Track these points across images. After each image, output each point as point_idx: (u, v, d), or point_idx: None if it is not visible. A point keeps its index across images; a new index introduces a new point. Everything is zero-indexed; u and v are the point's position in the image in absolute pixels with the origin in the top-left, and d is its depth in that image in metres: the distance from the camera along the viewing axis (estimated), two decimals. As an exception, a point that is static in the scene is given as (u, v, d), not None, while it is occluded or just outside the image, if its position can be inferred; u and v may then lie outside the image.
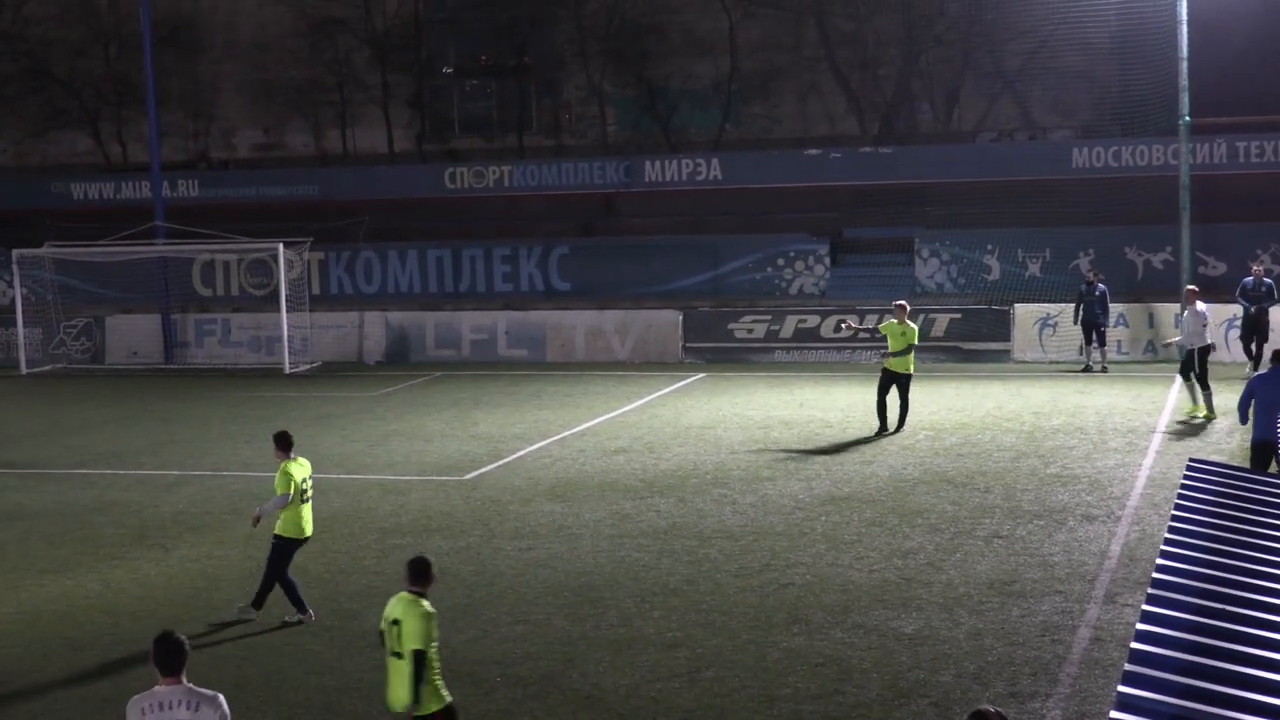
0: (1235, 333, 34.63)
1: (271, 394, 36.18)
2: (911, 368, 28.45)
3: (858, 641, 16.40)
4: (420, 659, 11.91)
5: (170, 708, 9.45)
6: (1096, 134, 49.58)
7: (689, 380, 36.23)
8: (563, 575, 19.36)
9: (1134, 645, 9.72)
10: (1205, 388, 28.24)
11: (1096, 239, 41.51)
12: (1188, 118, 36.37)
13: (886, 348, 28.63)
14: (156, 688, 9.58)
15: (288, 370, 39.97)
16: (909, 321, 28.44)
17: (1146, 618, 10.10)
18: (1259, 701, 9.17)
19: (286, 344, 40.41)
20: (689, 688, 15.27)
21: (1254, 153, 43.94)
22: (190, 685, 9.66)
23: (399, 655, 11.98)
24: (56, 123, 65.23)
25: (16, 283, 42.64)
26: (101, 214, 48.76)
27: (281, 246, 40.60)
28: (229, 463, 27.75)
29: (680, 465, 25.96)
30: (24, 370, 41.82)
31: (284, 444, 17.95)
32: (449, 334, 41.82)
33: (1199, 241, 38.19)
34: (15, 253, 42.85)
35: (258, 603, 17.73)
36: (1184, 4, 35.30)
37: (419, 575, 12.29)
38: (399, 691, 12.00)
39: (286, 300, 40.53)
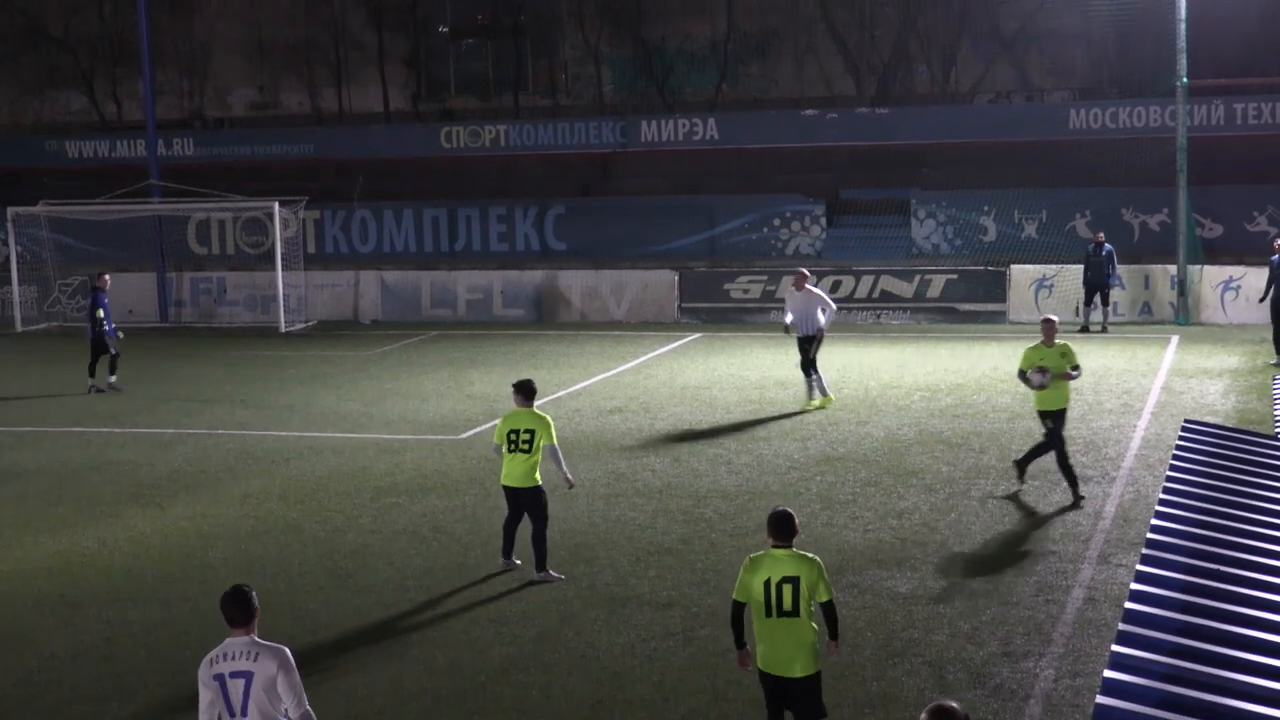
0: (1231, 295, 34.55)
1: (267, 353, 36.15)
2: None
3: (852, 601, 16.42)
4: (833, 607, 11.69)
5: (233, 658, 9.75)
6: (1094, 96, 49.51)
7: (684, 340, 36.22)
8: (558, 534, 19.34)
9: (1128, 605, 9.77)
10: (811, 374, 27.03)
11: (1093, 201, 41.45)
12: (1185, 79, 36.31)
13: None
14: (226, 640, 9.90)
15: (283, 329, 39.96)
16: (811, 288, 27.42)
17: (1140, 578, 10.14)
18: (1251, 660, 9.21)
19: (282, 303, 40.40)
20: (683, 647, 15.29)
21: (1251, 115, 43.87)
22: (255, 637, 9.92)
23: (793, 614, 11.45)
24: (52, 81, 65.08)
25: (11, 241, 42.60)
26: (96, 173, 48.78)
27: (277, 205, 40.53)
28: (225, 421, 27.74)
29: (675, 425, 25.97)
30: (19, 328, 41.79)
31: (525, 392, 17.91)
32: (444, 294, 41.80)
33: (1196, 203, 38.15)
34: (10, 211, 42.75)
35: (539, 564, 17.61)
36: (1182, -35, 35.24)
37: (786, 528, 11.72)
38: (796, 654, 11.51)
39: (282, 259, 40.49)
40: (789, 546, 11.65)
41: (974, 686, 13.94)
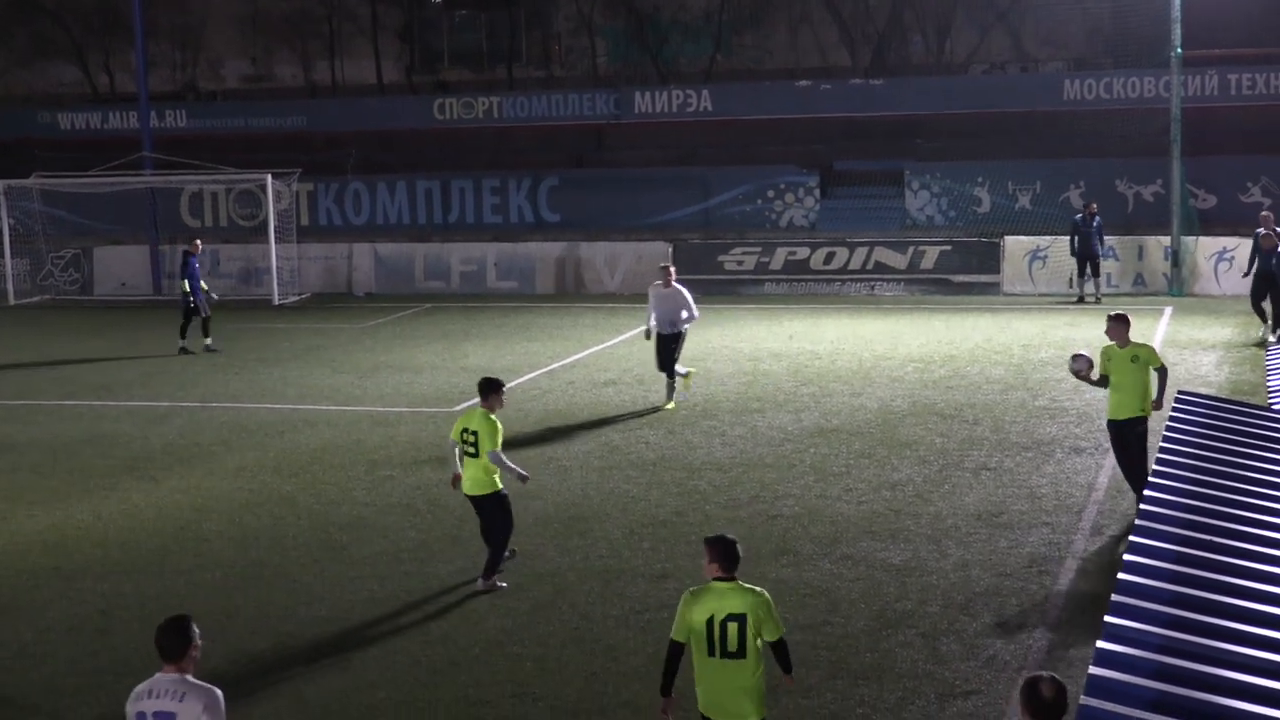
0: (1225, 266, 34.63)
1: (260, 325, 36.14)
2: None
3: (846, 573, 16.46)
4: (785, 646, 10.52)
5: (158, 695, 8.96)
6: (1088, 66, 49.47)
7: (679, 312, 36.20)
8: (552, 507, 19.40)
9: (1120, 576, 9.79)
10: (672, 375, 25.27)
11: (1087, 171, 41.43)
12: (1180, 50, 36.27)
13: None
14: (156, 674, 9.11)
15: (276, 301, 39.94)
16: (678, 286, 25.32)
17: (1133, 549, 10.17)
18: (1244, 631, 9.24)
19: (275, 275, 40.37)
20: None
21: (1245, 85, 43.83)
22: (187, 676, 9.05)
23: (738, 655, 10.20)
24: (44, 53, 64.93)
25: (3, 213, 42.51)
26: (89, 145, 48.65)
27: (270, 178, 40.48)
28: (218, 394, 27.75)
29: (669, 397, 26.01)
30: (12, 301, 41.76)
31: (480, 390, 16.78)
32: (438, 266, 41.79)
33: (1190, 174, 38.14)
34: (2, 183, 42.67)
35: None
36: (1177, -65, 35.18)
37: (730, 558, 10.42)
38: (740, 701, 10.31)
39: (275, 231, 40.45)
40: (733, 578, 10.39)
41: (967, 658, 13.99)
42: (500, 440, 16.21)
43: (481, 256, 41.76)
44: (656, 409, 24.95)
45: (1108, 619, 9.10)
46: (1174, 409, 13.68)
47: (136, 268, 43.42)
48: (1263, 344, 28.48)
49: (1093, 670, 8.58)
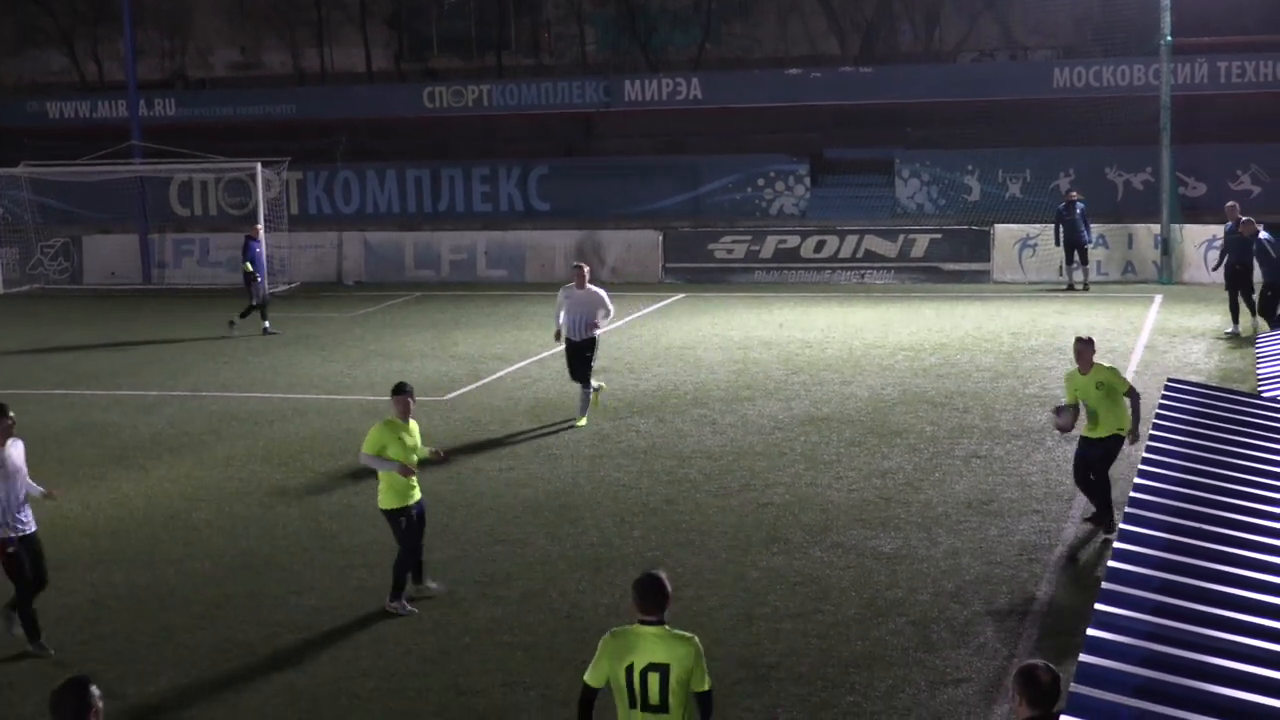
0: (1215, 254, 34.63)
1: (250, 315, 36.09)
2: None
3: (836, 560, 16.49)
4: (710, 701, 9.37)
5: None
6: (1078, 54, 49.42)
7: (669, 301, 36.24)
8: (542, 495, 19.41)
9: (1110, 564, 9.81)
10: (586, 385, 23.54)
11: (1077, 159, 41.48)
12: (1169, 38, 36.31)
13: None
14: None
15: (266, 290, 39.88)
16: (591, 286, 23.58)
17: (1123, 536, 10.19)
18: (1233, 618, 9.27)
19: (265, 264, 40.29)
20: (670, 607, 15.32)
21: (1235, 73, 43.86)
22: None
23: (660, 709, 9.13)
24: (32, 41, 64.84)
25: (-8, 202, 42.49)
26: (78, 133, 48.54)
27: (259, 166, 40.41)
28: (208, 383, 27.74)
29: (660, 385, 26.01)
30: (1, 290, 41.70)
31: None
32: (428, 254, 41.77)
33: (1179, 162, 38.20)
34: (-9, 172, 42.69)
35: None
36: (1167, -78, 35.20)
37: (656, 598, 9.34)
38: None
39: (265, 220, 40.38)
40: (659, 622, 9.24)
41: (958, 645, 14.02)
42: (374, 445, 15.17)
43: (471, 245, 41.75)
44: (669, 394, 24.97)
45: (1098, 606, 9.12)
46: (1164, 397, 13.72)
47: (126, 257, 43.35)
48: (1235, 336, 28.40)
49: (1083, 657, 8.61)
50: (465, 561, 16.87)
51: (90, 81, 62.75)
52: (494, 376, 27.26)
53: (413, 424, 15.51)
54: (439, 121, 50.50)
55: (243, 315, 33.06)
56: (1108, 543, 15.44)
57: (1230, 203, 31.22)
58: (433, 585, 15.81)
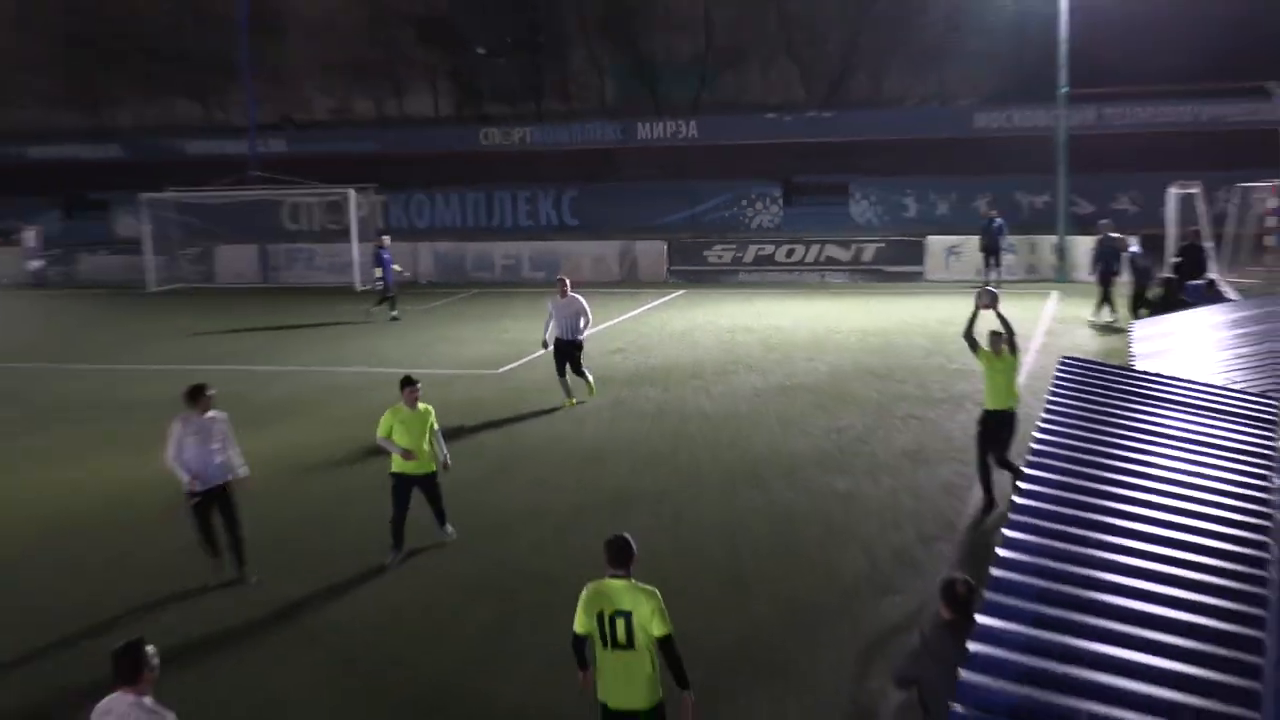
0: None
1: (345, 307, 36.20)
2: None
3: (801, 498, 16.60)
4: (671, 644, 8.82)
5: (111, 715, 7.45)
6: (995, 101, 49.39)
7: (672, 296, 36.29)
8: (574, 447, 19.52)
9: (1014, 499, 9.91)
10: (583, 375, 22.50)
11: (992, 185, 41.52)
12: (1065, 88, 36.27)
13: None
14: (115, 693, 7.51)
15: (358, 288, 39.96)
16: (573, 294, 22.40)
17: (1026, 479, 10.28)
18: (1115, 543, 9.37)
19: (357, 268, 40.41)
20: (671, 530, 15.48)
21: (1116, 117, 43.84)
22: (142, 699, 7.45)
23: (627, 646, 8.77)
24: (173, 92, 64.84)
25: (145, 219, 42.59)
26: (209, 165, 48.64)
27: (352, 191, 40.50)
28: (314, 360, 27.86)
29: (665, 362, 26.10)
30: (151, 288, 41.84)
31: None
32: (483, 260, 41.82)
33: (1072, 187, 38.17)
34: (143, 196, 42.76)
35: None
36: (1063, -2, 35.20)
37: (621, 555, 9.07)
38: (638, 688, 8.81)
39: (356, 233, 40.52)
40: (625, 575, 8.93)
41: (897, 564, 14.14)
42: (384, 429, 14.57)
43: (518, 252, 41.77)
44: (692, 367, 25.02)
45: (1005, 531, 9.25)
46: (1058, 370, 13.81)
47: (248, 262, 43.47)
48: (1109, 325, 28.35)
49: (993, 571, 8.71)
50: (512, 499, 17.00)
51: (218, 124, 62.78)
52: (534, 356, 27.27)
53: (424, 408, 14.68)
54: (491, 155, 50.56)
55: (377, 304, 33.27)
56: (1016, 486, 15.45)
57: (1102, 220, 31.22)
58: (449, 530, 15.26)
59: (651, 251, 40.27)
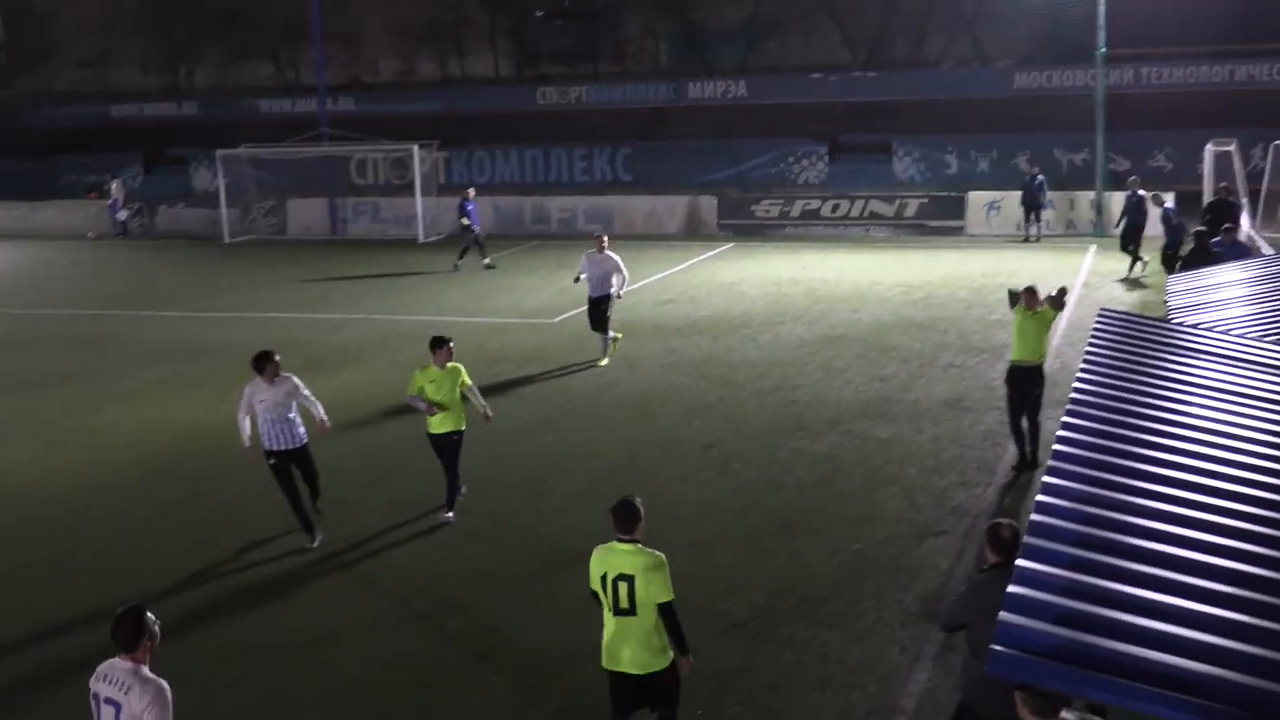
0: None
1: (409, 258, 36.14)
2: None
3: (845, 444, 16.38)
4: (672, 610, 8.31)
5: (111, 681, 7.05)
6: (1033, 62, 48.48)
7: (721, 249, 35.98)
8: (626, 393, 19.38)
9: (1055, 447, 9.64)
10: (605, 333, 21.47)
11: (1031, 142, 40.80)
12: (1103, 49, 35.54)
13: None
14: (114, 658, 7.14)
15: (421, 240, 39.90)
16: (608, 252, 21.48)
17: (1065, 426, 10.01)
18: (1155, 490, 9.10)
19: (420, 220, 40.33)
20: (719, 477, 15.32)
21: (1153, 76, 42.97)
22: (139, 667, 7.04)
23: (629, 613, 8.30)
24: (247, 55, 64.84)
25: (220, 175, 42.65)
26: (281, 123, 48.63)
27: (416, 148, 40.33)
28: (378, 309, 27.82)
29: (714, 312, 25.86)
30: (226, 240, 41.96)
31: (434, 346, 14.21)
32: (541, 214, 41.60)
33: (1109, 144, 37.45)
34: (219, 152, 42.81)
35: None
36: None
37: (626, 520, 8.42)
38: (637, 652, 8.36)
39: (420, 188, 40.42)
40: (631, 540, 8.36)
41: (937, 507, 13.91)
42: (414, 387, 14.07)
43: (574, 207, 41.52)
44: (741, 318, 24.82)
45: (1045, 478, 8.98)
46: (1096, 322, 13.47)
47: (318, 215, 43.46)
48: (1137, 280, 27.84)
49: (1034, 517, 8.47)
50: (566, 443, 16.88)
51: (289, 84, 62.74)
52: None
53: (452, 366, 14.01)
54: (549, 114, 50.25)
55: (460, 256, 33.07)
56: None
57: (1132, 177, 30.66)
58: (463, 491, 14.42)
59: (702, 206, 39.91)
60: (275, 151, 42.67)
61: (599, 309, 21.39)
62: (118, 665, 7.08)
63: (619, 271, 21.30)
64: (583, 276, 21.53)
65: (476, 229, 33.05)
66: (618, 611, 8.29)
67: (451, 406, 13.96)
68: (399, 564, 13.09)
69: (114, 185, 45.72)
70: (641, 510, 8.40)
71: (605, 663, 8.46)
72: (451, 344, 14.10)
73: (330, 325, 26.04)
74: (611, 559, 8.34)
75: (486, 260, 33.12)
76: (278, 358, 13.56)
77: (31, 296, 31.39)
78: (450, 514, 14.18)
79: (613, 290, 21.16)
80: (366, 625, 11.62)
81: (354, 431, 17.74)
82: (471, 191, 34.60)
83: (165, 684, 7.01)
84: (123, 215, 44.94)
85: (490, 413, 14.50)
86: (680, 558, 12.79)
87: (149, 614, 7.16)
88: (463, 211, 33.31)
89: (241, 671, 10.87)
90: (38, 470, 16.78)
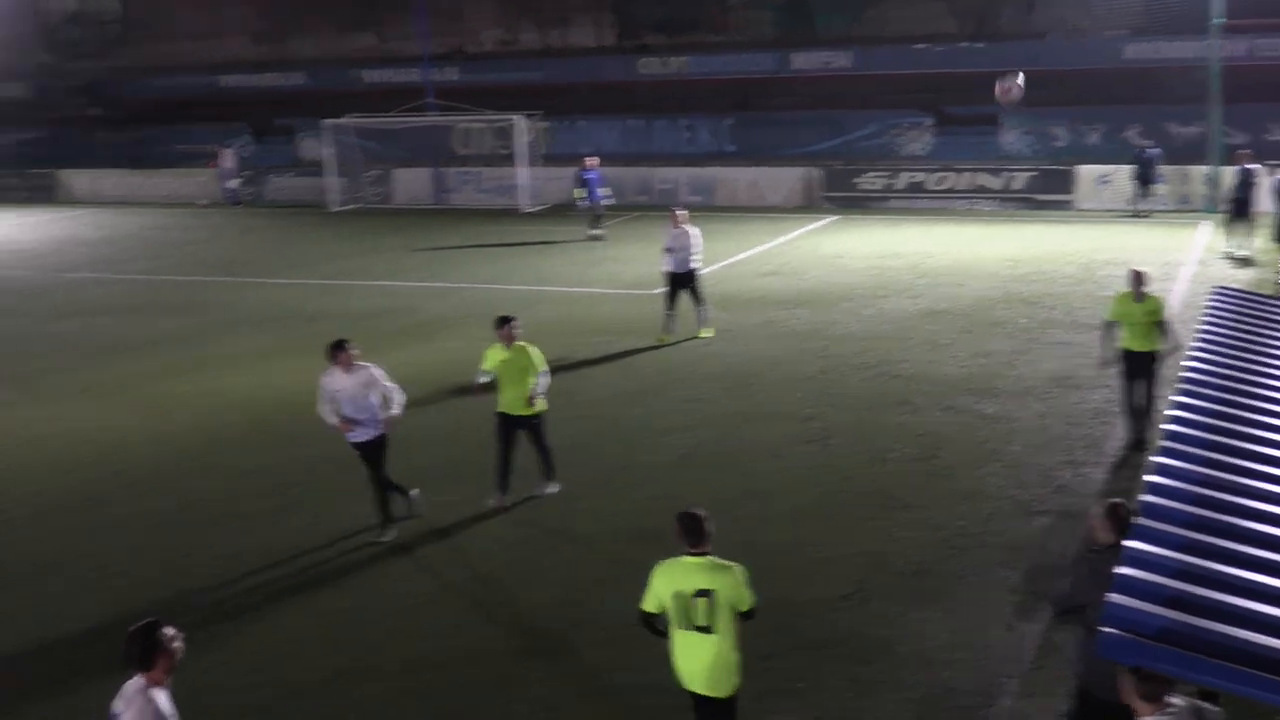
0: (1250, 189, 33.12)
1: (512, 228, 36.35)
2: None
3: (950, 420, 16.20)
4: (751, 617, 8.05)
5: (122, 697, 6.66)
6: (1145, 33, 47.35)
7: (825, 222, 35.69)
8: (725, 365, 19.32)
9: (1166, 426, 9.43)
10: (700, 304, 21.16)
11: (1143, 115, 39.93)
12: (1218, 20, 34.63)
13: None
14: (134, 678, 6.71)
15: (523, 210, 40.09)
16: (686, 226, 21.10)
17: (1176, 405, 9.79)
18: (1269, 473, 8.88)
19: (522, 190, 40.50)
20: (820, 450, 15.23)
21: (1269, 49, 41.83)
22: (146, 689, 6.62)
23: (707, 630, 7.85)
24: (353, 26, 65.44)
25: (327, 144, 43.18)
26: (387, 93, 49.05)
27: (518, 118, 40.49)
28: (479, 277, 28.00)
29: (817, 285, 25.67)
30: (333, 209, 42.49)
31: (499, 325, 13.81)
32: (643, 184, 41.59)
33: (1224, 117, 36.51)
34: (325, 122, 43.33)
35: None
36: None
37: (694, 533, 7.95)
38: (711, 671, 7.95)
39: (523, 158, 40.58)
40: (703, 553, 7.92)
41: (1043, 485, 13.71)
42: (487, 363, 13.70)
43: (675, 177, 41.47)
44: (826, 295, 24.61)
45: (1156, 459, 8.79)
46: (1210, 299, 13.15)
47: (422, 184, 43.86)
48: (1232, 256, 27.13)
49: (1145, 498, 8.30)
50: (664, 415, 16.88)
51: (395, 55, 63.23)
52: (691, 276, 27.13)
53: (519, 346, 13.59)
54: (651, 84, 50.11)
55: (591, 226, 33.20)
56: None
57: (1240, 150, 29.85)
58: (550, 488, 13.99)
59: (805, 177, 39.64)
60: (381, 121, 43.13)
61: (685, 285, 21.00)
62: (129, 684, 6.63)
63: (697, 246, 21.07)
64: (666, 256, 21.13)
65: (595, 199, 33.08)
66: (694, 628, 7.86)
67: (524, 387, 13.44)
68: (482, 538, 13.18)
69: (227, 154, 46.51)
70: (708, 520, 7.96)
71: (682, 680, 8.08)
72: (515, 322, 13.72)
73: (432, 293, 26.25)
74: (684, 574, 7.87)
75: (596, 230, 33.02)
76: (355, 350, 12.96)
77: (146, 263, 32.07)
78: (554, 487, 14.01)
79: (695, 263, 20.96)
80: (446, 594, 11.72)
81: (458, 400, 17.88)
82: (587, 161, 34.38)
83: (163, 712, 6.50)
84: (234, 184, 45.70)
85: (537, 401, 13.60)
86: (776, 528, 12.78)
87: (166, 629, 6.63)
88: (580, 181, 33.19)
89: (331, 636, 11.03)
90: (147, 431, 17.16)
